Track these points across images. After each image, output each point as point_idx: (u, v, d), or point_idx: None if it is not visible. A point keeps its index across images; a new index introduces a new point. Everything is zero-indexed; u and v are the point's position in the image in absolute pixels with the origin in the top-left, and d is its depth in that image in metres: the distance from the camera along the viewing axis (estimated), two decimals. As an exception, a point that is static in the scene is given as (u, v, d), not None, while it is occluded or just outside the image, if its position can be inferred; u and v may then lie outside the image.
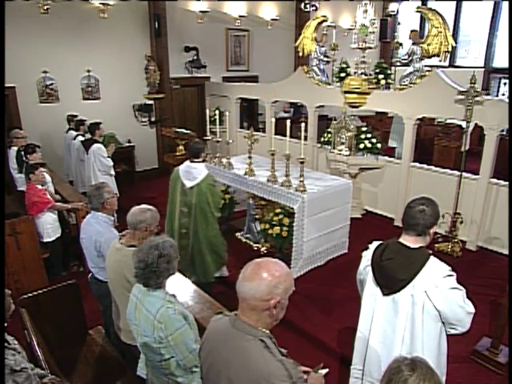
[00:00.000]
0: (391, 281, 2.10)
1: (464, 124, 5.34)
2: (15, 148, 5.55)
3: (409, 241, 2.11)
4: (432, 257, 2.07)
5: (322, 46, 7.20)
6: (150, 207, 2.70)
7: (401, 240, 2.15)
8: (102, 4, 7.24)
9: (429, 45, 5.79)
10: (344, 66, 7.10)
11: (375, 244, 2.28)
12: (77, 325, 3.28)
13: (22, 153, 5.18)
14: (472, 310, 2.05)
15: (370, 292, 2.23)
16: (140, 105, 8.54)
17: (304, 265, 4.79)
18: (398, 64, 6.39)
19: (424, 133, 8.73)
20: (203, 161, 4.18)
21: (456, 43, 6.35)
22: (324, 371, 1.93)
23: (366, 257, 2.30)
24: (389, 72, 6.60)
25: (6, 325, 2.05)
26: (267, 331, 1.55)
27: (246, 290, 1.50)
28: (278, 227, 4.83)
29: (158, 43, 8.27)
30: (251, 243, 5.51)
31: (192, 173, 4.08)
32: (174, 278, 2.32)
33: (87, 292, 3.37)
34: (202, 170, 4.09)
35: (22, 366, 1.92)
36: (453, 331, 2.12)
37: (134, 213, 2.63)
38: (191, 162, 4.11)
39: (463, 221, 5.29)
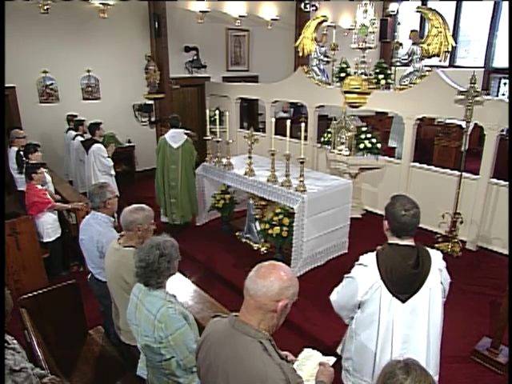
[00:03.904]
0: (415, 282, 2.05)
1: (464, 124, 5.34)
2: (15, 148, 5.54)
3: (408, 242, 2.11)
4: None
5: (322, 46, 7.21)
6: (143, 206, 2.65)
7: (400, 243, 2.09)
8: (102, 4, 7.24)
9: (429, 45, 5.80)
10: (344, 66, 7.11)
11: (369, 260, 2.12)
12: (77, 325, 3.28)
13: (22, 153, 5.18)
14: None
15: (387, 307, 2.09)
16: (140, 105, 8.54)
17: (304, 265, 4.79)
18: (398, 64, 6.40)
19: (424, 133, 8.72)
20: (181, 128, 5.65)
21: (456, 43, 6.35)
22: (331, 360, 1.84)
23: (367, 276, 2.09)
24: (389, 72, 6.61)
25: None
26: (267, 334, 1.53)
27: (258, 288, 1.50)
28: (278, 227, 4.82)
29: (158, 43, 8.26)
30: (251, 243, 5.51)
31: (176, 136, 5.56)
32: (174, 278, 2.32)
33: (87, 292, 3.36)
34: (182, 134, 5.61)
35: (22, 366, 1.91)
36: None
37: (124, 214, 2.61)
38: (174, 128, 5.59)
39: (463, 221, 5.29)
